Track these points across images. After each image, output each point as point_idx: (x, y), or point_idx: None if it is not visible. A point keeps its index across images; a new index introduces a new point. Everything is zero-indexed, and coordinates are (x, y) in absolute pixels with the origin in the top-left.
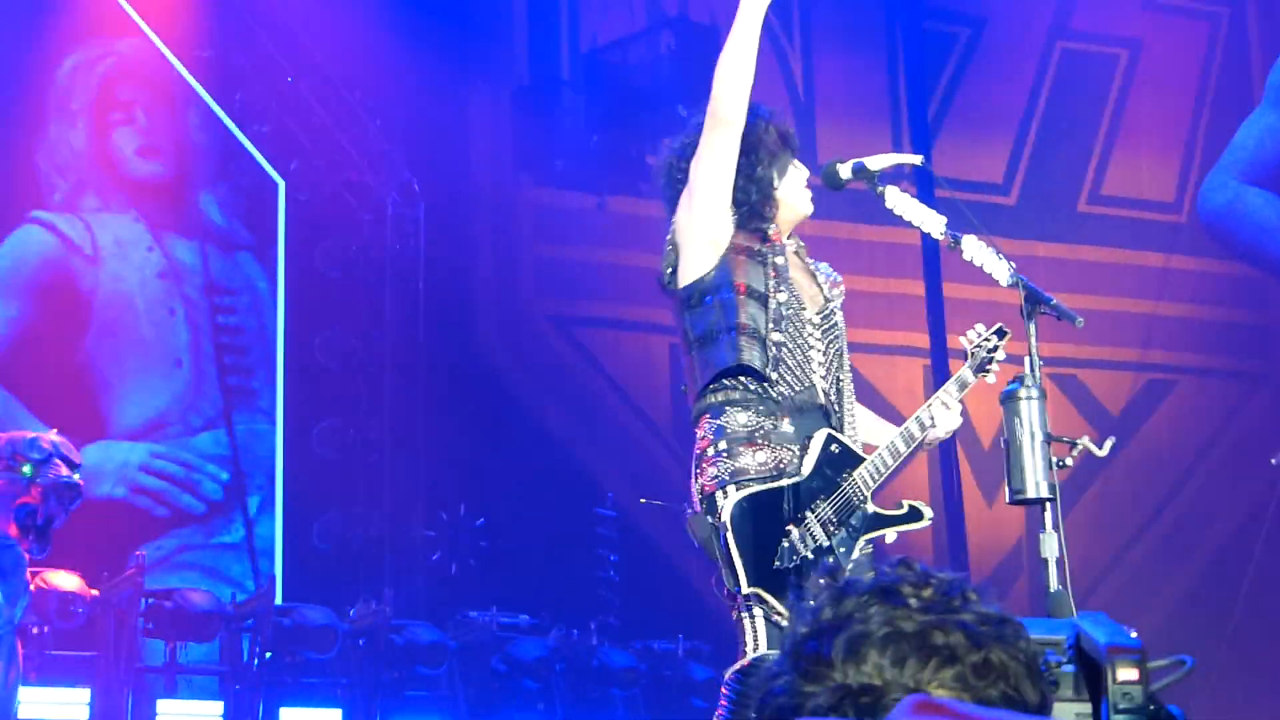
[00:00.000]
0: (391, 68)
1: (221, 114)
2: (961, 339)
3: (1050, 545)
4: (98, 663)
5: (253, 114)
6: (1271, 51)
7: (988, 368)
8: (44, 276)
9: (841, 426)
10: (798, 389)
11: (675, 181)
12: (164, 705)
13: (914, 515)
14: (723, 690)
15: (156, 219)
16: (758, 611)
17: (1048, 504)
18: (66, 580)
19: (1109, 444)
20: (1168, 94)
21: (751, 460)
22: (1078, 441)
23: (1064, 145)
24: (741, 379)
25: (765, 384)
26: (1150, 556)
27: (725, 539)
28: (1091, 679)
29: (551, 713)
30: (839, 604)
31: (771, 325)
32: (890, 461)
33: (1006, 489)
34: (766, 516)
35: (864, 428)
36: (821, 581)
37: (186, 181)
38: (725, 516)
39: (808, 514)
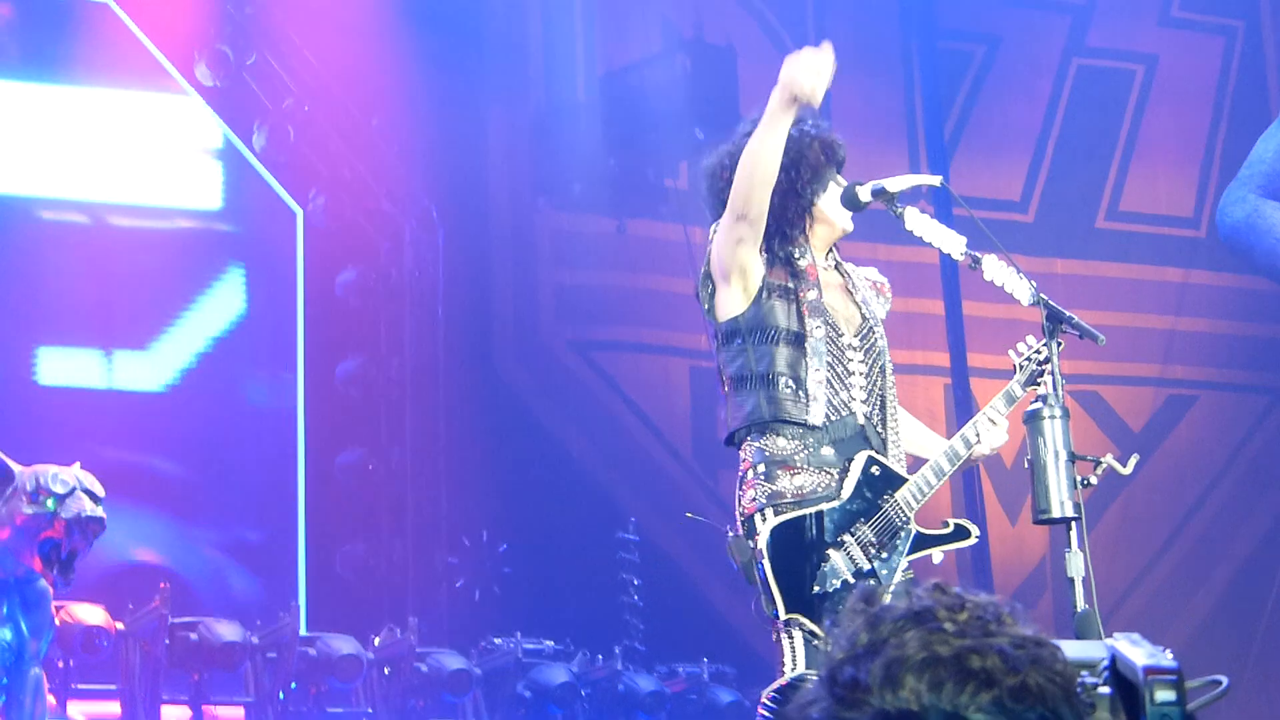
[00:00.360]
0: (407, 94)
1: (239, 144)
2: (1010, 352)
3: (1076, 564)
4: (123, 695)
5: (270, 144)
6: None
7: (1038, 380)
8: None
9: (884, 447)
10: (836, 418)
11: (718, 191)
12: None
13: (960, 533)
14: (760, 710)
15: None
16: (797, 632)
17: (1073, 523)
18: (91, 614)
19: (1133, 461)
20: (1184, 109)
21: (790, 484)
22: (1101, 460)
23: (1081, 162)
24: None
25: (803, 423)
26: (1174, 572)
27: (762, 565)
28: (1128, 701)
29: None
30: (875, 629)
31: (808, 365)
32: (934, 481)
33: (1031, 509)
34: (804, 541)
35: (909, 437)
36: (857, 607)
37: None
38: (762, 543)
39: (847, 537)
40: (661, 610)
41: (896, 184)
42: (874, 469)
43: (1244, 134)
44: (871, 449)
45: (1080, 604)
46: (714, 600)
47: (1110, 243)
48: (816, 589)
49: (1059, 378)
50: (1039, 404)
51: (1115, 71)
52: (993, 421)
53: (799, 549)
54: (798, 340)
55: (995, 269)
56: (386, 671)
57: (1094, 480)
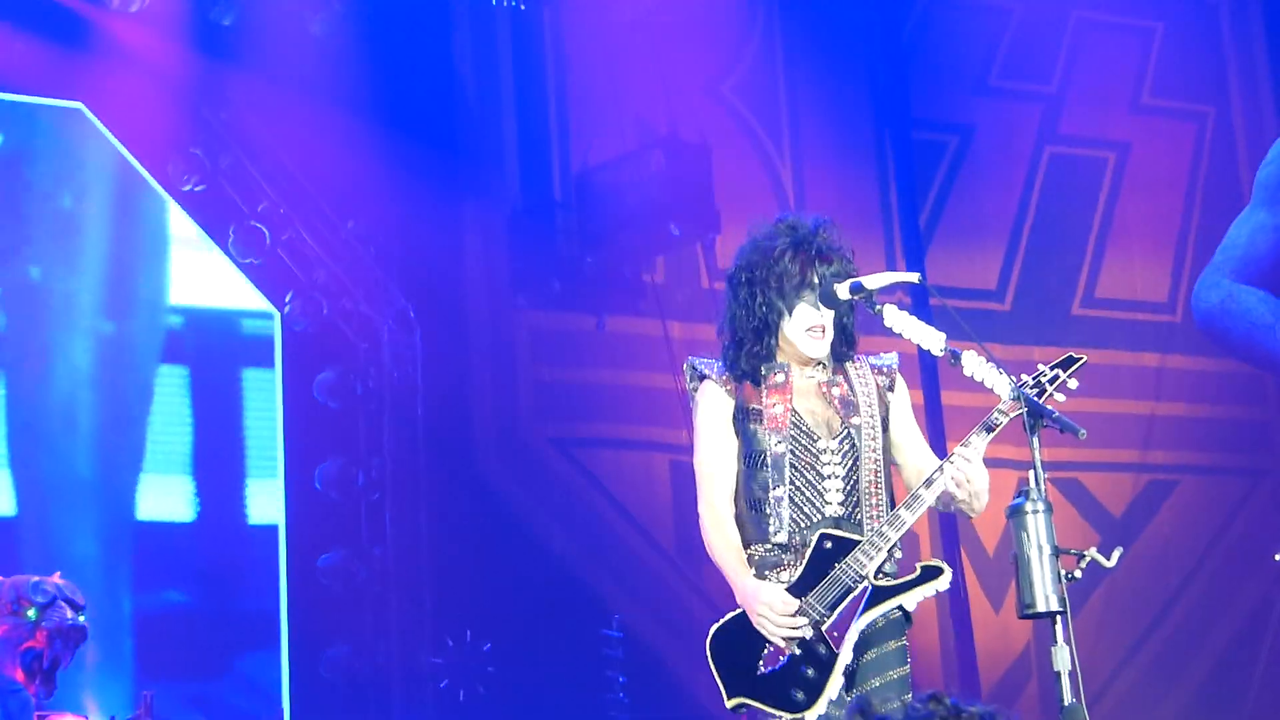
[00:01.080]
0: (382, 195)
1: (214, 247)
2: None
3: (1062, 658)
4: None
5: (245, 248)
6: (1258, 150)
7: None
8: None
9: (858, 528)
10: (807, 525)
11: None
12: None
13: (929, 574)
14: None
15: None
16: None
17: (1058, 617)
18: None
19: (1116, 554)
20: (1158, 195)
21: (775, 580)
22: (1085, 553)
23: (1056, 249)
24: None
25: (767, 543)
26: (1158, 656)
27: (709, 666)
28: None
29: None
30: None
31: (770, 482)
32: (891, 534)
33: (1016, 603)
34: (746, 631)
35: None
36: (855, 717)
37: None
38: (706, 646)
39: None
40: (648, 707)
41: (874, 281)
42: (826, 544)
43: (1217, 219)
44: (841, 528)
45: (1068, 698)
46: (700, 697)
47: (1087, 329)
48: (762, 670)
49: (1041, 472)
50: (1021, 499)
51: (1088, 159)
52: (967, 459)
53: (742, 639)
54: (758, 461)
55: (974, 365)
56: None
57: (1078, 574)
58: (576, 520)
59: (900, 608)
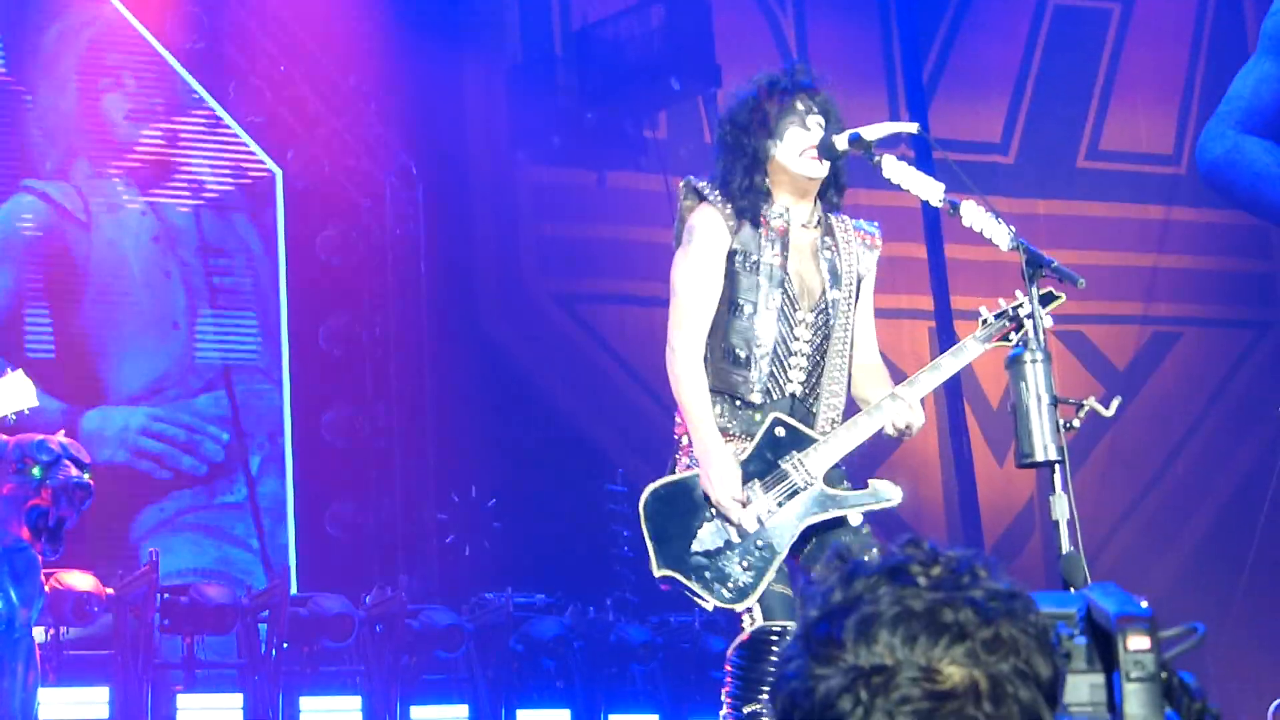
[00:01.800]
0: (384, 52)
1: (216, 105)
2: (982, 308)
3: (1061, 507)
4: (115, 661)
5: (247, 104)
6: None
7: (1007, 338)
8: (39, 245)
9: (810, 414)
10: (777, 394)
11: (723, 146)
12: (184, 700)
13: (879, 495)
14: (727, 666)
15: (148, 183)
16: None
17: (1056, 466)
18: (81, 580)
19: (1115, 404)
20: (1162, 46)
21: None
22: (1084, 403)
23: (1060, 102)
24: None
25: (740, 400)
26: (1161, 509)
27: (640, 526)
28: (1103, 650)
29: (571, 691)
30: (848, 586)
31: (759, 340)
32: (847, 440)
33: (1015, 453)
34: (686, 502)
35: (867, 393)
36: (832, 565)
37: (177, 145)
38: (640, 504)
39: None
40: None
41: (873, 132)
42: (778, 430)
43: (1222, 70)
44: (794, 415)
45: (1065, 547)
46: None
47: (1091, 182)
48: (696, 548)
49: (1040, 321)
50: (1020, 349)
51: (1092, 10)
52: (896, 397)
53: (679, 510)
54: (754, 313)
55: (973, 214)
56: (378, 629)
57: (1077, 424)
58: (580, 376)
59: None
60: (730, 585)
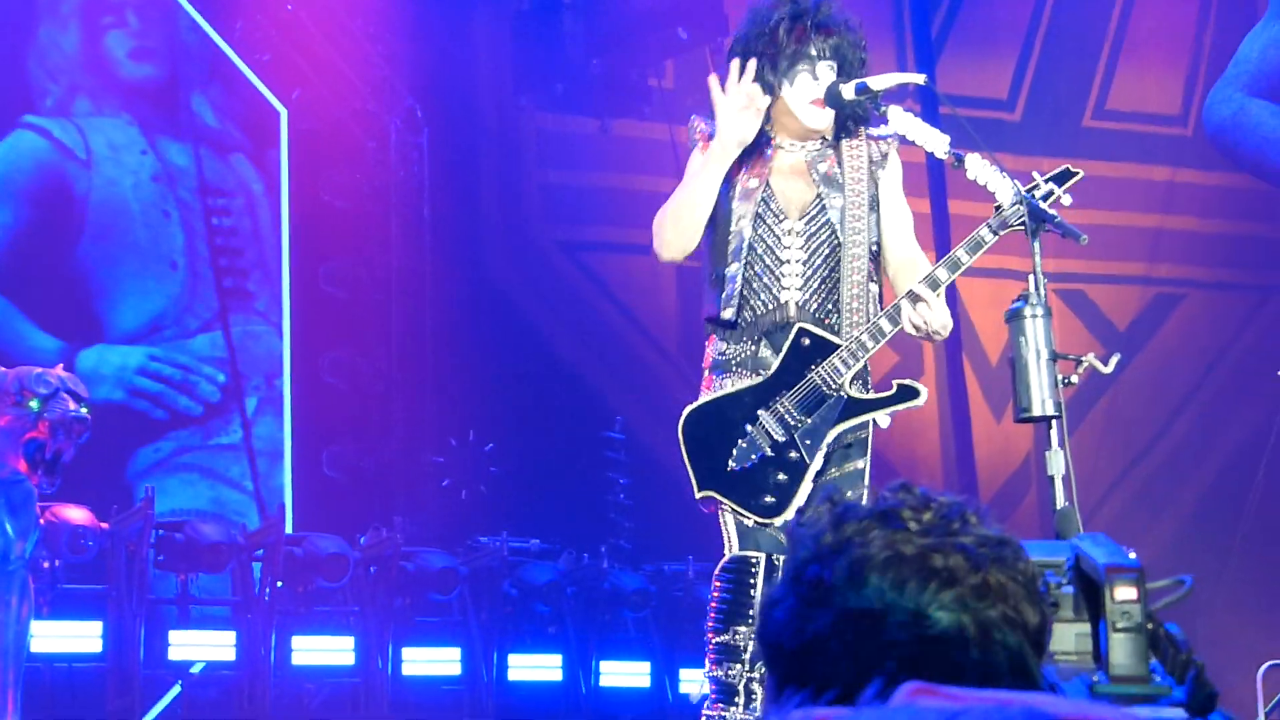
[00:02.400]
0: None
1: (222, 43)
2: (997, 193)
3: (1057, 463)
4: (109, 596)
5: (253, 43)
6: None
7: (1041, 224)
8: (37, 182)
9: (833, 326)
10: (764, 312)
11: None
12: (176, 636)
13: (905, 394)
14: (713, 590)
15: (149, 122)
16: (726, 515)
17: (1054, 421)
18: (76, 514)
19: (1114, 360)
20: (1172, 7)
21: (733, 385)
22: (1083, 359)
23: (1068, 60)
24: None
25: (733, 325)
26: (1158, 471)
27: (680, 449)
28: (1091, 599)
29: (563, 636)
30: (839, 529)
31: (737, 257)
32: (869, 344)
33: (1013, 407)
34: (719, 423)
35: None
36: (822, 507)
37: (179, 84)
38: (679, 429)
39: (763, 412)
40: (647, 509)
41: (880, 82)
42: (804, 340)
43: (1231, 32)
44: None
45: (1060, 501)
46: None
47: (1097, 141)
48: (733, 466)
49: (1041, 276)
50: (1020, 303)
51: None
52: (920, 298)
53: (713, 430)
54: (723, 232)
55: (978, 168)
56: (373, 570)
57: (1075, 380)
58: (581, 323)
59: (873, 422)
60: (767, 498)
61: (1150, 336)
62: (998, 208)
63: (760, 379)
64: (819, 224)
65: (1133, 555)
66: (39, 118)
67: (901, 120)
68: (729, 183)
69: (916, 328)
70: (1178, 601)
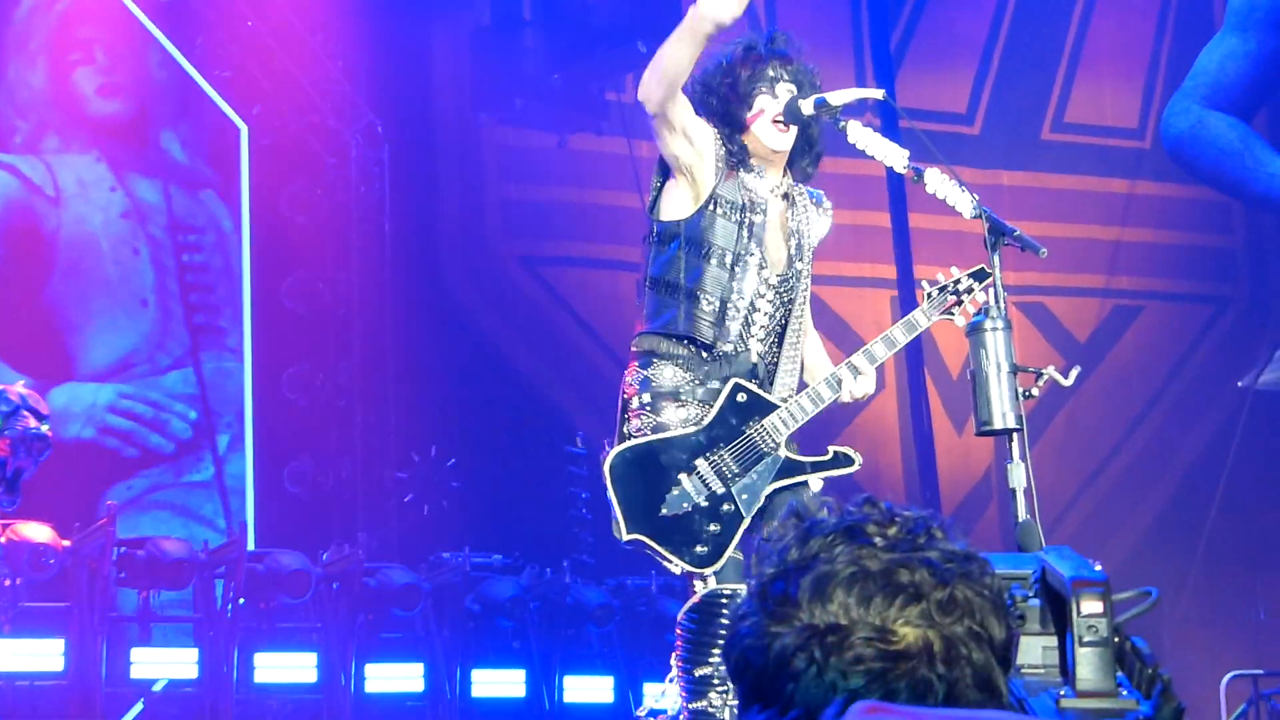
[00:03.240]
0: (352, 9)
1: (182, 59)
2: (924, 282)
3: (1018, 475)
4: (71, 613)
5: (214, 58)
6: None
7: (953, 311)
8: (6, 219)
9: (769, 380)
10: (742, 350)
11: (698, 109)
12: (138, 654)
13: (840, 461)
14: (678, 629)
15: (118, 158)
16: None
17: (1015, 434)
18: (38, 531)
19: (1074, 373)
20: (1129, 20)
21: (674, 416)
22: (1043, 372)
23: (1027, 73)
24: (684, 341)
25: (706, 349)
26: (1119, 481)
27: (606, 489)
28: (1057, 612)
29: (527, 651)
30: (805, 545)
31: (737, 291)
32: (809, 408)
33: (974, 420)
34: (653, 466)
35: (813, 360)
36: (789, 523)
37: (148, 120)
38: (605, 467)
39: (701, 462)
40: (609, 523)
41: (839, 97)
42: (740, 395)
43: (1189, 45)
44: (755, 379)
45: (1022, 514)
46: None
47: (1056, 154)
48: (664, 512)
49: (1001, 290)
50: (981, 316)
51: None
52: (857, 369)
53: (647, 473)
54: (734, 264)
55: (937, 182)
56: (335, 587)
57: (1035, 392)
58: (542, 337)
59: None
60: (699, 548)
61: (1110, 348)
62: (927, 296)
63: (695, 429)
64: (787, 287)
65: (1098, 568)
66: (7, 155)
67: (861, 135)
68: (735, 211)
69: (853, 396)
70: (1143, 613)
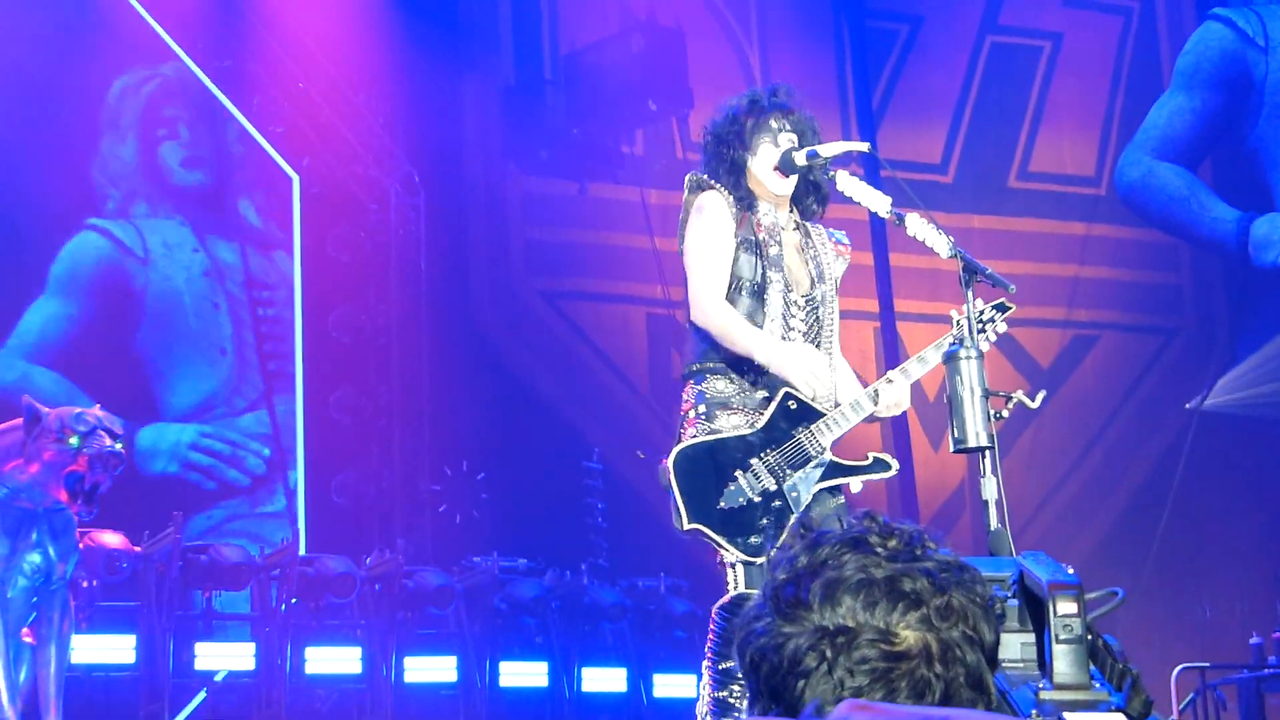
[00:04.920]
0: (391, 71)
1: (241, 117)
2: (953, 311)
3: (990, 488)
4: (141, 612)
5: (269, 116)
6: (1178, 40)
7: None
8: (100, 278)
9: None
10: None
11: (704, 157)
12: (202, 648)
13: (879, 465)
14: (712, 623)
15: (200, 223)
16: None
17: (987, 452)
18: (112, 539)
19: (1040, 397)
20: (1087, 81)
21: (727, 422)
22: (1012, 396)
23: (995, 128)
24: (731, 360)
25: (750, 365)
26: (1079, 493)
27: (670, 482)
28: (1034, 612)
29: (548, 645)
30: (814, 552)
31: (765, 315)
32: (852, 416)
33: (950, 439)
34: (711, 463)
35: (846, 386)
36: (797, 533)
37: (226, 189)
38: (669, 461)
39: (755, 462)
40: (623, 531)
41: (829, 149)
42: (790, 403)
43: (1140, 102)
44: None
45: (994, 524)
46: (669, 522)
47: (1021, 200)
48: (722, 505)
49: (974, 322)
50: (956, 346)
51: (1025, 47)
52: (890, 380)
53: (706, 469)
54: (758, 292)
55: (917, 225)
56: (377, 588)
57: (1005, 414)
58: (561, 364)
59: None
60: (752, 538)
61: (1070, 373)
62: (956, 323)
63: (751, 430)
64: (813, 307)
65: (1071, 571)
66: (101, 219)
67: (848, 184)
68: (753, 246)
69: (889, 408)
70: (1111, 611)
